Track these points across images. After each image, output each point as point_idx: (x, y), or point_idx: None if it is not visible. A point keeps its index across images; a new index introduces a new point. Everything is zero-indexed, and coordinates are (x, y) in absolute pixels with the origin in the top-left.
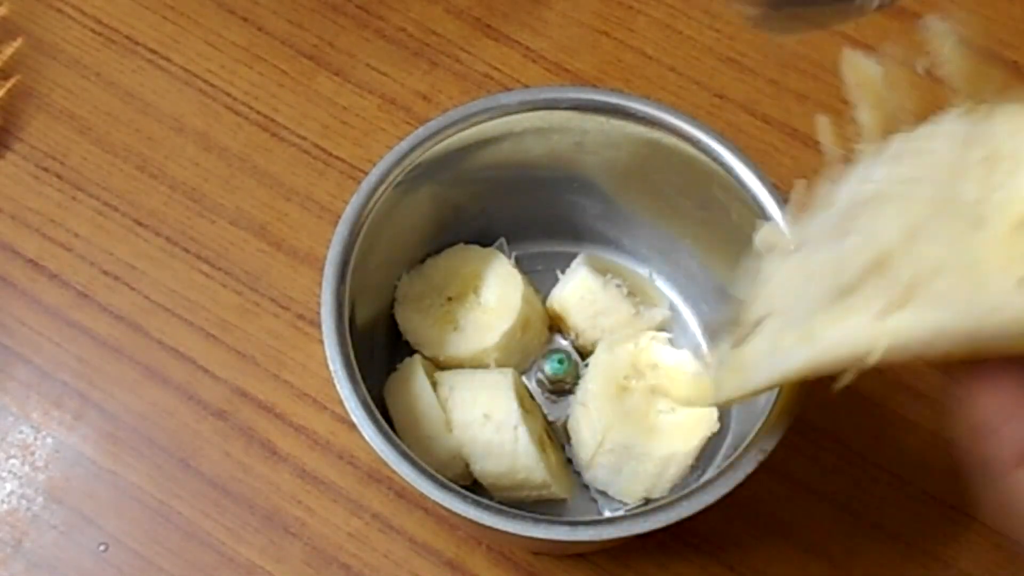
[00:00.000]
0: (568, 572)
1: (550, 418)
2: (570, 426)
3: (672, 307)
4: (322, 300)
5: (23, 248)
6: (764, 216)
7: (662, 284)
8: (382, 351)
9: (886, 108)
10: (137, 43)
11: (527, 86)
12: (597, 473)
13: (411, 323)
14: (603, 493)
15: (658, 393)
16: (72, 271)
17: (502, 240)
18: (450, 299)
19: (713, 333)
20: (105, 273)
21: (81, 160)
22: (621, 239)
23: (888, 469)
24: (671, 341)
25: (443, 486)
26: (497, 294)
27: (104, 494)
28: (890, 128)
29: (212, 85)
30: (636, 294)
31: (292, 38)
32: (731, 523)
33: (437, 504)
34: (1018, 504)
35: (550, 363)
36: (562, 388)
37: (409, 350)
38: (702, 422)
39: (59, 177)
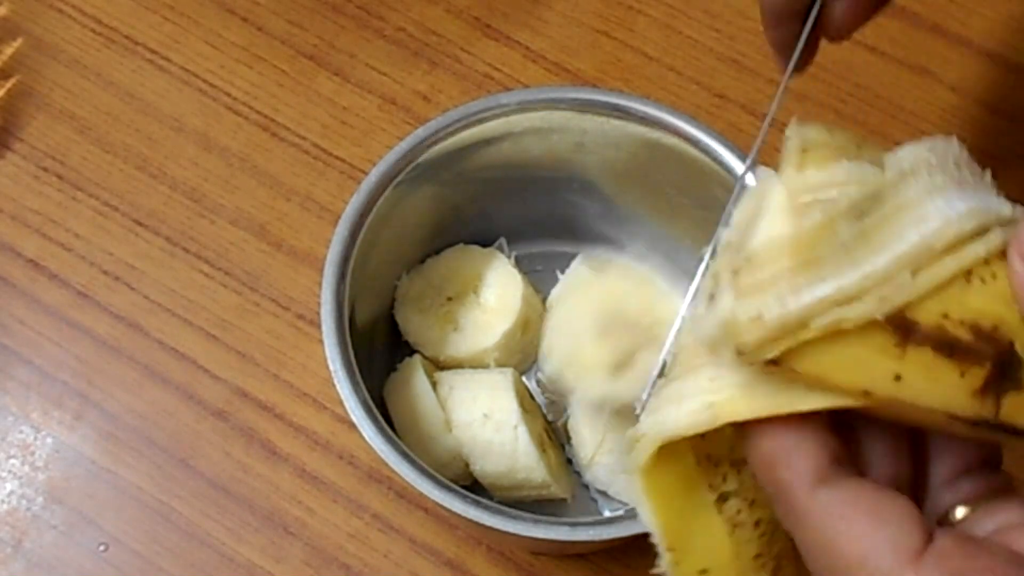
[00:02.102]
0: (568, 572)
1: (550, 418)
2: (570, 426)
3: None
4: (322, 300)
5: (23, 248)
6: None
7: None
8: (382, 351)
9: None
10: (137, 43)
11: (527, 86)
12: (597, 473)
13: (411, 323)
14: (603, 493)
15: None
16: (72, 271)
17: (502, 240)
18: (450, 299)
19: None
20: (105, 273)
21: (81, 160)
22: (621, 239)
23: None
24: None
25: (443, 486)
26: (497, 294)
27: (104, 494)
28: None
29: (212, 85)
30: None
31: (292, 38)
32: None
33: (437, 504)
34: (822, 524)
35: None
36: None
37: (409, 350)
38: None
39: (59, 177)
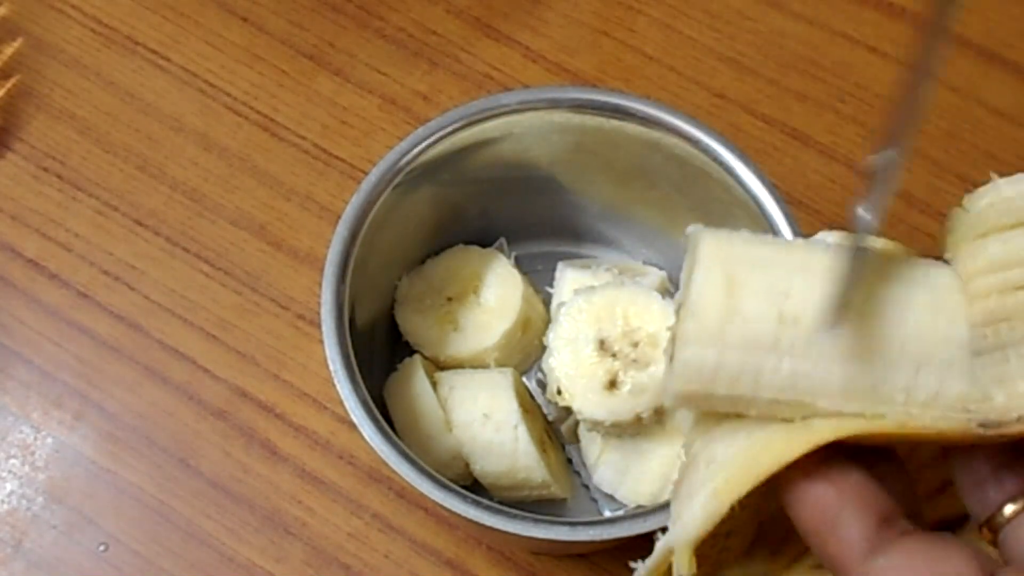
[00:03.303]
0: (568, 572)
1: (550, 418)
2: (581, 431)
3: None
4: (322, 300)
5: (23, 248)
6: (765, 218)
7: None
8: (382, 351)
9: None
10: (137, 43)
11: (527, 86)
12: (604, 474)
13: (411, 323)
14: (610, 497)
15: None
16: (72, 271)
17: (502, 240)
18: (450, 299)
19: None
20: (105, 273)
21: (81, 160)
22: (621, 239)
23: None
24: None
25: (443, 486)
26: (497, 294)
27: (104, 494)
28: None
29: (212, 85)
30: (625, 272)
31: (292, 38)
32: None
33: (437, 504)
34: None
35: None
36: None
37: (409, 350)
38: None
39: (59, 177)
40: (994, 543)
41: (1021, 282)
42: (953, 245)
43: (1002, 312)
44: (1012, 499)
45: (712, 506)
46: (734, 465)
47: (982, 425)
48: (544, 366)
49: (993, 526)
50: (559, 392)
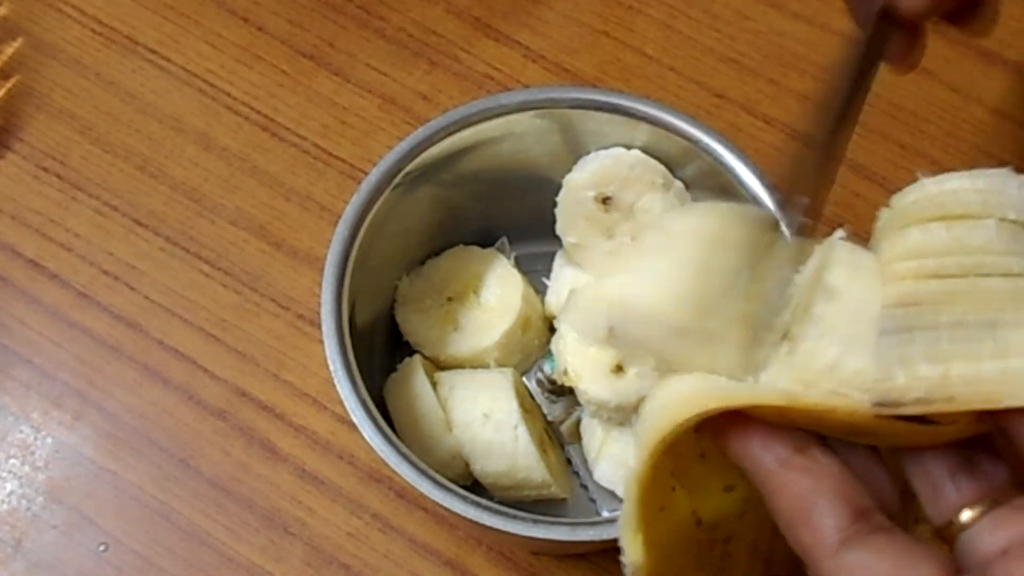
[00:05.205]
0: (568, 572)
1: (550, 418)
2: (583, 425)
3: None
4: (322, 300)
5: (23, 248)
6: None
7: None
8: (382, 351)
9: None
10: (137, 43)
11: (527, 86)
12: (605, 470)
13: (411, 324)
14: (609, 492)
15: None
16: (72, 271)
17: (503, 240)
18: (450, 299)
19: None
20: (105, 273)
21: (81, 160)
22: None
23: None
24: None
25: (443, 486)
26: (497, 294)
27: (104, 494)
28: None
29: (212, 85)
30: None
31: (292, 38)
32: None
33: (437, 504)
34: None
35: (550, 363)
36: (562, 388)
37: (409, 350)
38: None
39: (59, 177)
40: (951, 549)
41: (937, 270)
42: (877, 239)
43: (915, 296)
44: (969, 504)
45: (628, 485)
46: (638, 444)
47: (878, 404)
48: (552, 347)
49: (950, 532)
50: (566, 373)
